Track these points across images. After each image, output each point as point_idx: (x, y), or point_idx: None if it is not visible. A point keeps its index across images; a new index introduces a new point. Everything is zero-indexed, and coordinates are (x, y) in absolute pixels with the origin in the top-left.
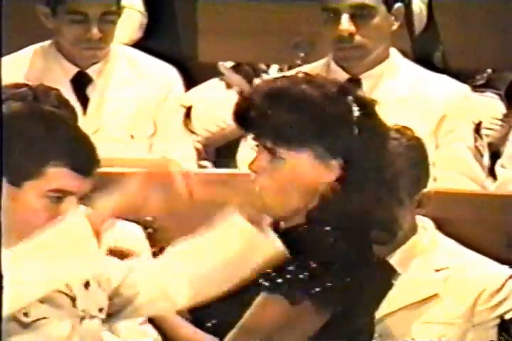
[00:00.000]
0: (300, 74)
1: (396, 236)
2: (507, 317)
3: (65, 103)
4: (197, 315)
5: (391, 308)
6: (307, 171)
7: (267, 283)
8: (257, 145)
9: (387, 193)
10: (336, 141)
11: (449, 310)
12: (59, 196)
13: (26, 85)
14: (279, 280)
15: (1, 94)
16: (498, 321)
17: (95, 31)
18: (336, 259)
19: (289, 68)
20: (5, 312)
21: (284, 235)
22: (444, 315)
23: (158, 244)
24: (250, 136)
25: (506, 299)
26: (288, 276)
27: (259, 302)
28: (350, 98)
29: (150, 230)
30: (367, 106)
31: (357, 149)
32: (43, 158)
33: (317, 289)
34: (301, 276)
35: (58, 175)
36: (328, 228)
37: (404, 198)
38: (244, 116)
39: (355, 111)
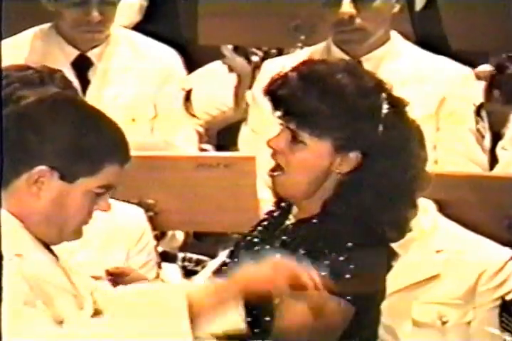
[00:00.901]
0: (342, 62)
1: (405, 234)
2: (508, 298)
3: (69, 85)
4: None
5: (391, 289)
6: (324, 159)
7: None
8: (281, 124)
9: (400, 195)
10: (358, 134)
11: (450, 291)
12: (104, 191)
13: (29, 67)
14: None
15: (1, 83)
16: (499, 302)
17: (95, 14)
18: (350, 252)
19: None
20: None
21: (299, 224)
22: (444, 295)
23: (159, 228)
24: (276, 114)
25: (507, 280)
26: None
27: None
28: (383, 95)
29: (151, 213)
30: (398, 106)
31: (378, 146)
32: (101, 157)
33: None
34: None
35: (111, 172)
36: (337, 228)
37: None
38: (277, 92)
39: (385, 109)
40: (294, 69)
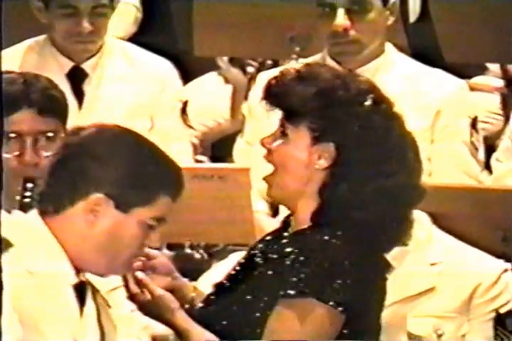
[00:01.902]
0: (339, 69)
1: (396, 244)
2: (502, 310)
3: (54, 86)
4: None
5: (387, 302)
6: (303, 151)
7: (296, 291)
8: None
9: (389, 199)
10: (334, 125)
11: (445, 304)
12: (156, 224)
13: (12, 72)
14: (302, 284)
15: (1, 92)
16: (493, 315)
17: (86, 25)
18: (342, 261)
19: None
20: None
21: (292, 237)
22: (439, 308)
23: None
24: (265, 105)
25: (501, 293)
26: (305, 278)
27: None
28: (369, 94)
29: None
30: (381, 104)
31: (353, 140)
32: (156, 188)
33: (330, 294)
34: (316, 279)
35: (164, 204)
36: (326, 237)
37: None
38: (272, 85)
39: (367, 105)
40: (295, 69)
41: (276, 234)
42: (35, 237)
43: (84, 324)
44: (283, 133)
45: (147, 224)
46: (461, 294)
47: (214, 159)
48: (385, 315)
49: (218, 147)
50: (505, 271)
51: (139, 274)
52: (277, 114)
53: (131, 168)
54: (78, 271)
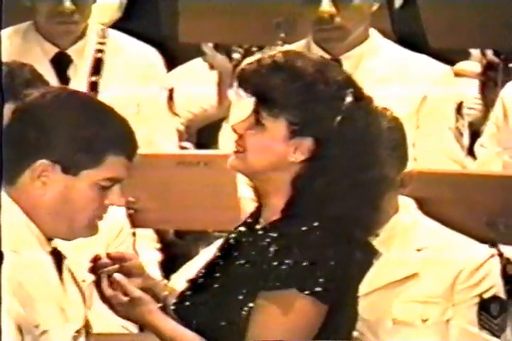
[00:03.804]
0: (317, 56)
1: (371, 233)
2: (486, 296)
3: (38, 76)
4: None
5: (371, 287)
6: (279, 143)
7: (279, 283)
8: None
9: (358, 193)
10: (314, 119)
11: (429, 289)
12: (110, 184)
13: None
14: (283, 276)
15: (2, 88)
16: (477, 300)
17: (67, 3)
18: (323, 251)
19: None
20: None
21: (268, 229)
22: (424, 294)
23: (139, 225)
24: (240, 91)
25: (485, 278)
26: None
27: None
28: (349, 89)
29: (131, 211)
30: (361, 100)
31: (333, 135)
32: (102, 148)
33: (312, 284)
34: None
35: (114, 164)
36: (304, 228)
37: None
38: (245, 70)
39: (347, 101)
40: (270, 55)
41: (249, 224)
42: (5, 212)
43: (66, 290)
44: (258, 122)
45: (100, 185)
46: (445, 279)
47: (199, 145)
48: (371, 301)
49: (203, 133)
50: (492, 256)
51: (117, 276)
52: (251, 101)
53: (73, 130)
54: (48, 238)
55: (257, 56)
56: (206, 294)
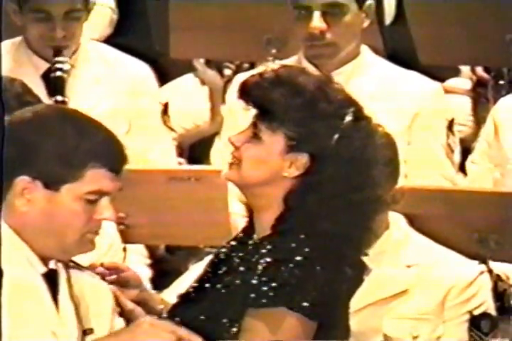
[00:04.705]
0: (319, 74)
1: (361, 252)
2: (477, 312)
3: (28, 91)
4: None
5: (362, 303)
6: (275, 158)
7: (267, 300)
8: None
9: (350, 212)
10: (312, 136)
11: (420, 306)
12: (96, 198)
13: None
14: (271, 293)
15: (1, 92)
16: (468, 317)
17: (59, 30)
18: (312, 268)
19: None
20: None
21: (258, 245)
22: (414, 310)
23: (130, 241)
24: (241, 103)
25: (476, 295)
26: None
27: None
28: (350, 108)
29: (122, 226)
30: (361, 120)
31: (329, 153)
32: (81, 161)
33: (300, 301)
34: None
35: (97, 177)
36: (294, 245)
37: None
38: (247, 82)
39: (347, 120)
40: (273, 69)
41: (241, 239)
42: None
43: (60, 311)
44: (256, 135)
45: (85, 199)
46: (435, 296)
47: (191, 161)
48: (362, 317)
49: (196, 149)
50: (481, 273)
51: (111, 287)
52: (251, 113)
53: (52, 144)
54: (44, 259)
55: (259, 69)
56: (196, 309)
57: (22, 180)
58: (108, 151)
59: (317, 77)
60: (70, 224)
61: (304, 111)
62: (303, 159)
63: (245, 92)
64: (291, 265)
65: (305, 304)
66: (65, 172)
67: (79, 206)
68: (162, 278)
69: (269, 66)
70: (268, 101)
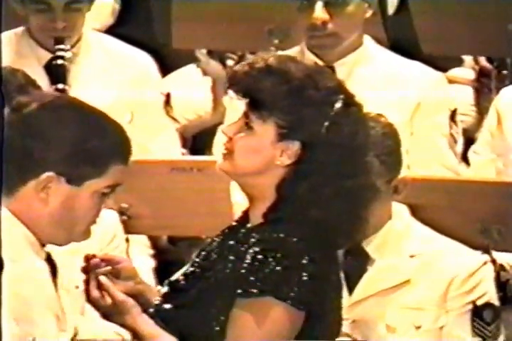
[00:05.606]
0: (311, 63)
1: (354, 240)
2: (479, 302)
3: (31, 81)
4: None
5: (364, 294)
6: (267, 146)
7: (254, 290)
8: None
9: (347, 199)
10: (302, 123)
11: (423, 296)
12: (110, 190)
13: None
14: (259, 283)
15: (1, 92)
16: (470, 307)
17: (59, 21)
18: (300, 258)
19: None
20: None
21: (248, 234)
22: (417, 301)
23: (133, 231)
24: (231, 93)
25: (478, 285)
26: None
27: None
28: (340, 95)
29: (124, 217)
30: (351, 107)
31: (320, 140)
32: (105, 159)
33: (288, 290)
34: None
35: (117, 171)
36: (282, 235)
37: (381, 186)
38: (237, 72)
39: (337, 107)
40: (263, 58)
41: (234, 227)
42: (3, 224)
43: (60, 296)
44: (247, 125)
45: (101, 193)
46: (438, 286)
47: (194, 151)
48: (365, 307)
49: (198, 139)
50: (484, 263)
51: (102, 278)
52: (243, 103)
53: (76, 141)
54: (42, 244)
55: (250, 59)
56: (185, 297)
57: (48, 176)
58: (124, 147)
59: (307, 65)
60: (83, 217)
61: (292, 99)
62: (294, 147)
63: (235, 82)
64: (278, 255)
65: (292, 294)
66: (90, 170)
67: (94, 200)
68: (165, 268)
69: (260, 56)
70: (257, 90)
